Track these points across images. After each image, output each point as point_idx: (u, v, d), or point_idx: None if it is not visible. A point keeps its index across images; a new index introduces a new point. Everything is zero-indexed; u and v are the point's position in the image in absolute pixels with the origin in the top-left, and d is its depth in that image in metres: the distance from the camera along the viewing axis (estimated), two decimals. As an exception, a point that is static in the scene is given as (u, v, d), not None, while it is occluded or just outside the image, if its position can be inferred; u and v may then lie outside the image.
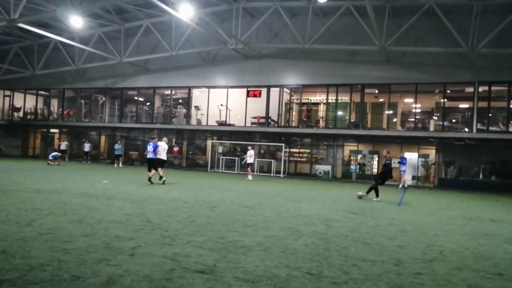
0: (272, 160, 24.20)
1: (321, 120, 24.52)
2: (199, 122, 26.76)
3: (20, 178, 13.85)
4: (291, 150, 25.28)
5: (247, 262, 4.81)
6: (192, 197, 10.90)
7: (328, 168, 23.81)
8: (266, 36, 23.91)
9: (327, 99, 23.74)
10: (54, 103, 33.56)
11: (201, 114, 26.54)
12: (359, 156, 24.18)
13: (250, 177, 19.22)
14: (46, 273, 4.05)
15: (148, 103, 30.00)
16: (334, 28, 21.37)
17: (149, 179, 13.96)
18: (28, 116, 33.69)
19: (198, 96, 27.45)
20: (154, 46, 26.24)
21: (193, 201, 10.17)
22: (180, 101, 28.89)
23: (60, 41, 25.08)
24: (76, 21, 20.42)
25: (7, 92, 34.20)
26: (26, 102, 33.84)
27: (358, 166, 23.86)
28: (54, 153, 23.93)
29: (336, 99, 23.33)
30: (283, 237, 6.32)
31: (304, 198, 12.42)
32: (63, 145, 28.02)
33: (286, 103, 25.29)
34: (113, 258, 4.67)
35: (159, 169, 14.31)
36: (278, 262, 4.87)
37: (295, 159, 25.48)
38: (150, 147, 14.34)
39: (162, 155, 14.34)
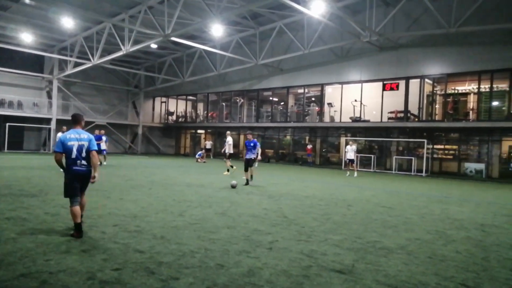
0: (413, 158, 22.35)
1: (471, 112, 21.66)
2: (332, 119, 26.40)
3: (174, 174, 15.69)
4: (435, 146, 22.97)
5: (389, 265, 4.47)
6: (327, 195, 10.76)
7: (481, 166, 20.90)
8: (403, 25, 22.21)
9: (478, 88, 20.83)
10: (200, 107, 37.22)
11: (334, 111, 26.11)
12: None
13: (355, 174, 19.39)
14: (195, 259, 4.43)
15: (282, 103, 30.88)
16: (488, 5, 18.58)
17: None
18: (180, 119, 38.15)
19: (331, 93, 27.05)
20: (287, 46, 26.83)
21: (328, 198, 10.03)
22: (313, 99, 28.96)
23: (204, 50, 27.64)
24: (217, 30, 22.21)
25: (163, 99, 39.40)
26: (177, 106, 38.43)
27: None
28: (199, 152, 26.78)
29: (491, 87, 20.27)
30: (429, 241, 5.72)
31: (452, 199, 11.11)
32: (208, 144, 30.88)
33: (427, 95, 23.07)
34: (253, 251, 4.85)
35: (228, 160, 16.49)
36: (424, 268, 4.40)
37: (439, 156, 23.07)
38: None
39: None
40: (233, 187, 11.53)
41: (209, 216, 7.00)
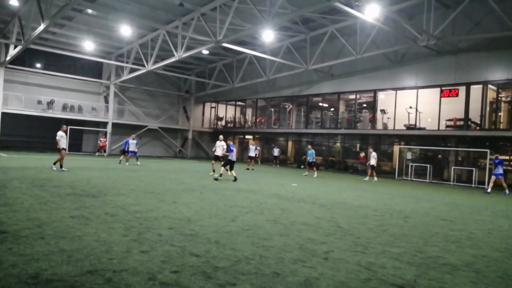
0: (474, 169, 21.00)
1: (540, 120, 20.07)
2: (385, 126, 25.55)
3: (224, 179, 15.86)
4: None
5: (455, 283, 4.18)
6: (381, 205, 10.37)
7: (551, 179, 19.27)
8: (464, 27, 21.07)
9: (549, 94, 19.29)
10: (249, 112, 37.58)
11: (388, 118, 25.26)
12: None
13: (367, 178, 21.09)
14: (251, 266, 4.39)
15: (332, 109, 30.38)
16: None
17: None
18: (229, 124, 38.72)
19: (384, 99, 26.21)
20: (338, 51, 26.42)
21: (383, 209, 9.65)
22: (365, 105, 28.22)
23: (254, 56, 27.87)
24: (268, 36, 22.31)
25: (213, 104, 40.23)
26: (227, 112, 39.06)
27: None
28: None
29: None
30: (498, 260, 5.30)
31: (521, 214, 10.29)
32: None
33: (491, 102, 21.67)
34: (308, 260, 4.74)
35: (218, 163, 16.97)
36: (497, 289, 4.06)
37: (505, 168, 21.49)
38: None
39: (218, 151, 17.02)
40: (216, 179, 14.62)
41: (261, 222, 6.96)
